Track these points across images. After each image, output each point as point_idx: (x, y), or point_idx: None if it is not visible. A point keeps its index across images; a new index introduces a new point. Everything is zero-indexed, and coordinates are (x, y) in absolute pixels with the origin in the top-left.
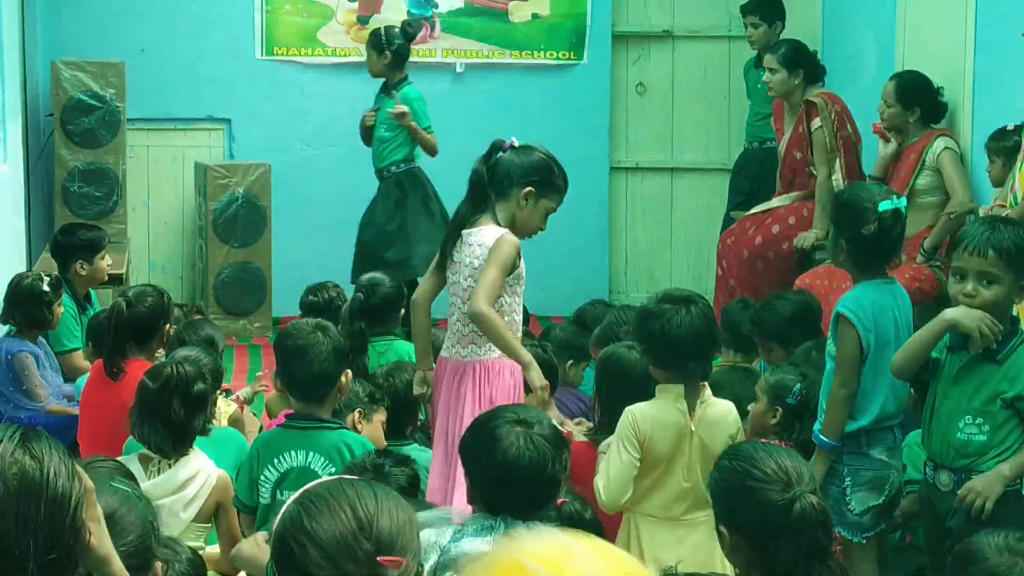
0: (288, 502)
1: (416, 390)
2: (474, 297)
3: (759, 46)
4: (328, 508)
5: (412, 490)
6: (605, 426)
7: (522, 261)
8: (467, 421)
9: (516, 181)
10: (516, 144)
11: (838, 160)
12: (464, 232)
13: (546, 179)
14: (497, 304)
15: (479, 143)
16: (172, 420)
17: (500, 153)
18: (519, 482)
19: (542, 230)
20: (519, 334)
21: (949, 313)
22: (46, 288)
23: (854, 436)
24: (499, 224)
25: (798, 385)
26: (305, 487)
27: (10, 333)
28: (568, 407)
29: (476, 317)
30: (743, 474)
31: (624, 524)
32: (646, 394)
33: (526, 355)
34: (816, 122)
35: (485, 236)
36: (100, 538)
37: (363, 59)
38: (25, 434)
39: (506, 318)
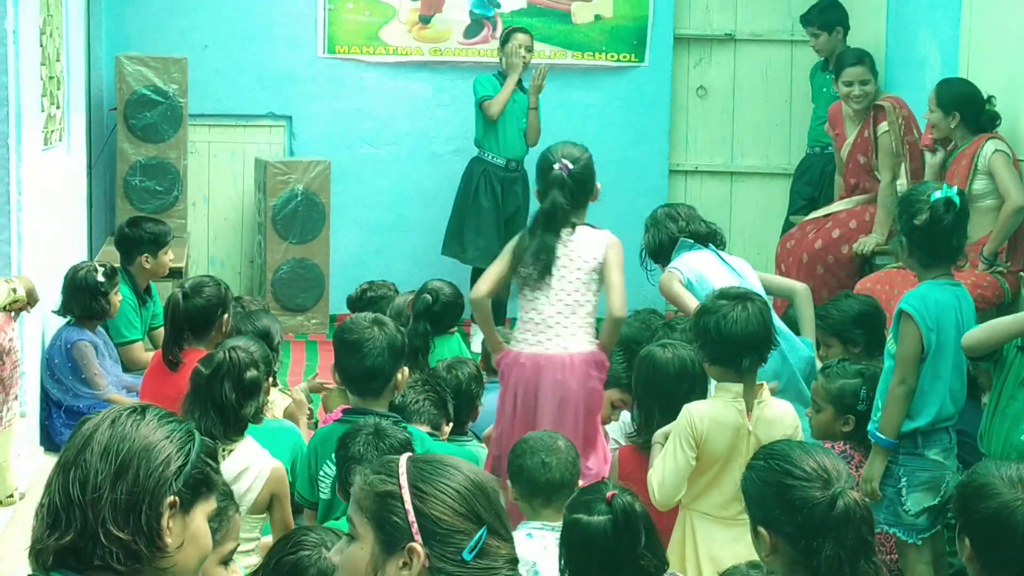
0: None
1: None
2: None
3: (826, 53)
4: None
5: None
6: (643, 427)
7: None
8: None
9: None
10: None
11: (903, 165)
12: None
13: None
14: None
15: (539, 143)
16: (223, 404)
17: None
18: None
19: None
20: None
21: None
22: (101, 278)
23: (910, 436)
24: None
25: (863, 390)
26: None
27: (69, 323)
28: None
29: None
30: (781, 473)
31: (679, 522)
32: (677, 393)
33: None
34: (883, 126)
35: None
36: (188, 555)
37: (424, 58)
38: (166, 416)
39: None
